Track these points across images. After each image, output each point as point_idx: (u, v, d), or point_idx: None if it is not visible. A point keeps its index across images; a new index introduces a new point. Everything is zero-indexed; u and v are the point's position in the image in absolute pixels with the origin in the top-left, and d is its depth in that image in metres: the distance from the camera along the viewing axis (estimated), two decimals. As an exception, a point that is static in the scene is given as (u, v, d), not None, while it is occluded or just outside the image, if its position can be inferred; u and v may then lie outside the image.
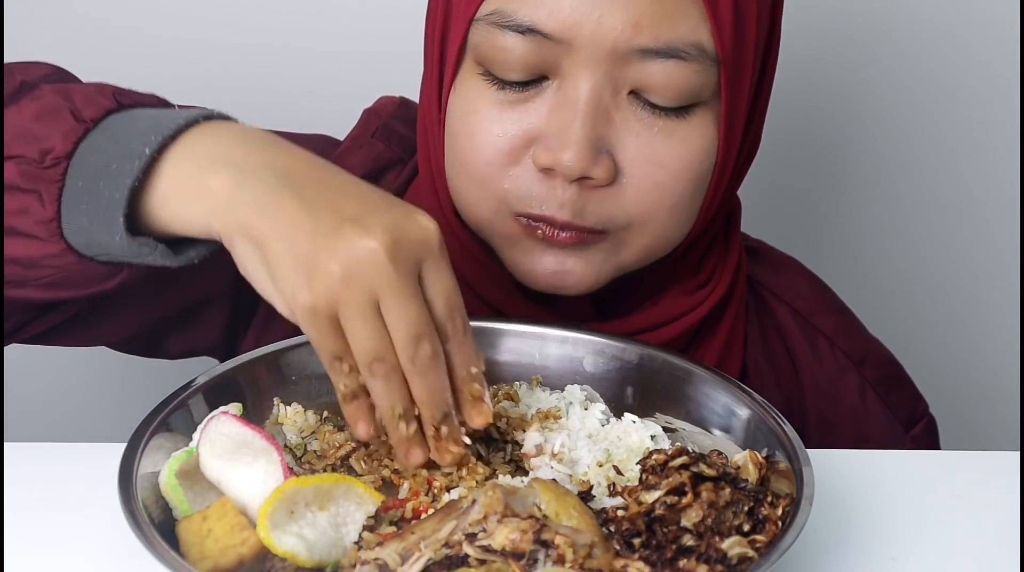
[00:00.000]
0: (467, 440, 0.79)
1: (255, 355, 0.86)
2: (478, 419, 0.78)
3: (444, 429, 0.77)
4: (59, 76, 0.90)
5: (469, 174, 0.92)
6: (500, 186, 0.90)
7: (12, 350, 0.95)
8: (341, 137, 1.11)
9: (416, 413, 0.76)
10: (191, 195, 0.78)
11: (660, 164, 0.89)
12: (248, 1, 1.42)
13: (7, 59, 0.91)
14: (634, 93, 0.88)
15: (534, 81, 0.89)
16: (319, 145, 1.07)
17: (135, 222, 0.79)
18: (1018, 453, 0.90)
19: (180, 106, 0.87)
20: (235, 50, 1.43)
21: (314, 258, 0.72)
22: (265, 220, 0.74)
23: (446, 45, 0.93)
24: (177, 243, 0.81)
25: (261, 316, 1.03)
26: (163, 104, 0.86)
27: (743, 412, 0.84)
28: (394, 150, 1.08)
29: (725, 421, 0.85)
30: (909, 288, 1.58)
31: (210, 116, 0.81)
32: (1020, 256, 1.51)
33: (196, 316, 1.02)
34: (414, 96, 1.12)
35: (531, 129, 0.89)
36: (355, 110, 1.13)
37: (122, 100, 0.82)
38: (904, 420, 1.10)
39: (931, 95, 1.49)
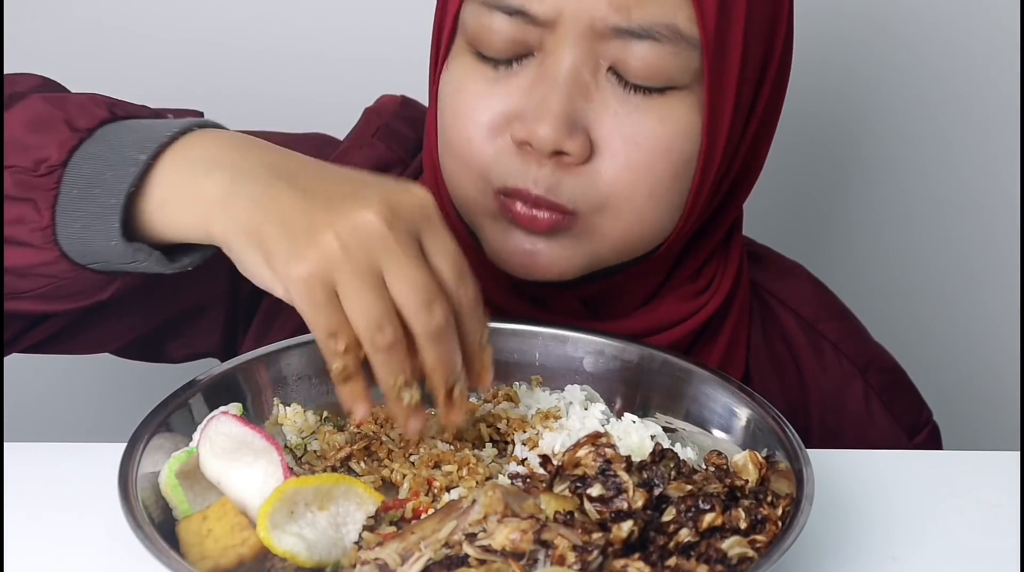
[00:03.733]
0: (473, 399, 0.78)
1: (255, 355, 0.86)
2: (485, 381, 0.79)
3: (456, 392, 0.76)
4: (47, 87, 0.90)
5: (454, 151, 0.92)
6: (483, 163, 0.90)
7: (12, 350, 0.95)
8: (340, 136, 1.11)
9: (418, 382, 0.75)
10: (187, 200, 0.78)
11: (636, 142, 0.88)
12: (246, 2, 1.42)
13: (7, 60, 0.90)
14: (613, 71, 0.88)
15: (519, 58, 0.89)
16: (315, 144, 1.07)
17: (130, 230, 0.79)
18: (1018, 453, 0.90)
19: (173, 111, 0.87)
20: (234, 52, 1.43)
21: (310, 231, 0.72)
22: (260, 212, 0.74)
23: (443, 26, 0.93)
24: (171, 251, 0.81)
25: (261, 317, 1.03)
26: (156, 115, 0.86)
27: (743, 412, 0.84)
28: (395, 150, 1.08)
29: (725, 421, 0.85)
30: (908, 288, 1.58)
31: (204, 124, 0.82)
32: (1020, 256, 1.51)
33: (193, 321, 1.02)
34: (414, 96, 1.13)
35: (512, 105, 0.89)
36: (354, 110, 1.13)
37: (116, 111, 0.83)
38: (907, 428, 1.09)
39: (933, 97, 1.49)
